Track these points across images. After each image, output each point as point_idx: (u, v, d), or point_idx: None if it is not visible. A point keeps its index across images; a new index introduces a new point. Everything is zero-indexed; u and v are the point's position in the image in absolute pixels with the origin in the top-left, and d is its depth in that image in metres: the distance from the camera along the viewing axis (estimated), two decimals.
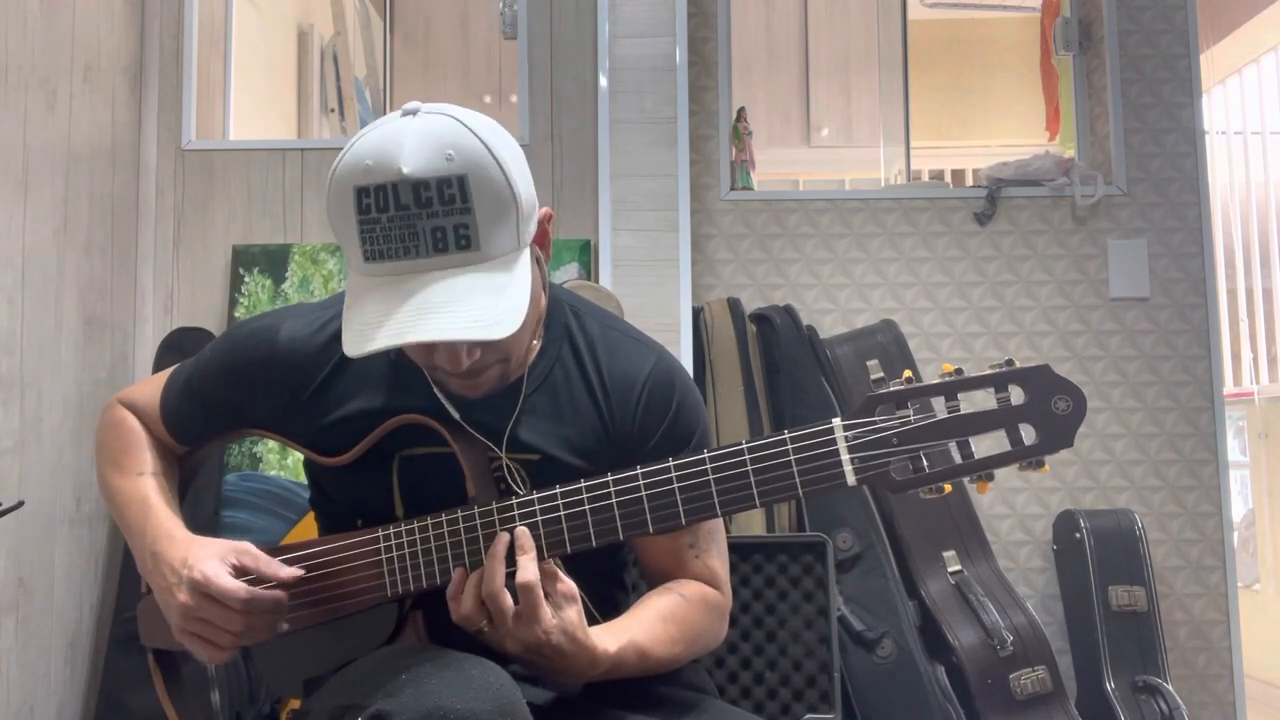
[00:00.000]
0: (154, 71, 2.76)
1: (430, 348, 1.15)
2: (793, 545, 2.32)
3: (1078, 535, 2.62)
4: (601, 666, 1.15)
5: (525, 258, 1.15)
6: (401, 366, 1.28)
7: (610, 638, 1.17)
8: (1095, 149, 2.95)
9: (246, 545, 1.23)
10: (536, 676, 1.26)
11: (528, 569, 1.11)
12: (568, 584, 1.13)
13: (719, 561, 1.34)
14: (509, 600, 1.11)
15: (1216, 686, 2.71)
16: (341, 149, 1.13)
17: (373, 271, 1.10)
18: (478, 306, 1.08)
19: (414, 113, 1.12)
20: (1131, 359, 2.81)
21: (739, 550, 2.28)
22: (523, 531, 1.15)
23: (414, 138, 1.09)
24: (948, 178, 4.67)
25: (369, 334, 1.08)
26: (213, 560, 1.19)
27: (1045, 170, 2.85)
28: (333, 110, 3.88)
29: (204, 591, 1.17)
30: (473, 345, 1.13)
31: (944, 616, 2.46)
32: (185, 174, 2.76)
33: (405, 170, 1.07)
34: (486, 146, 1.11)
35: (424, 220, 1.08)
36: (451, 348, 1.13)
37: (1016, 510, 2.78)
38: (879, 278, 2.86)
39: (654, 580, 1.33)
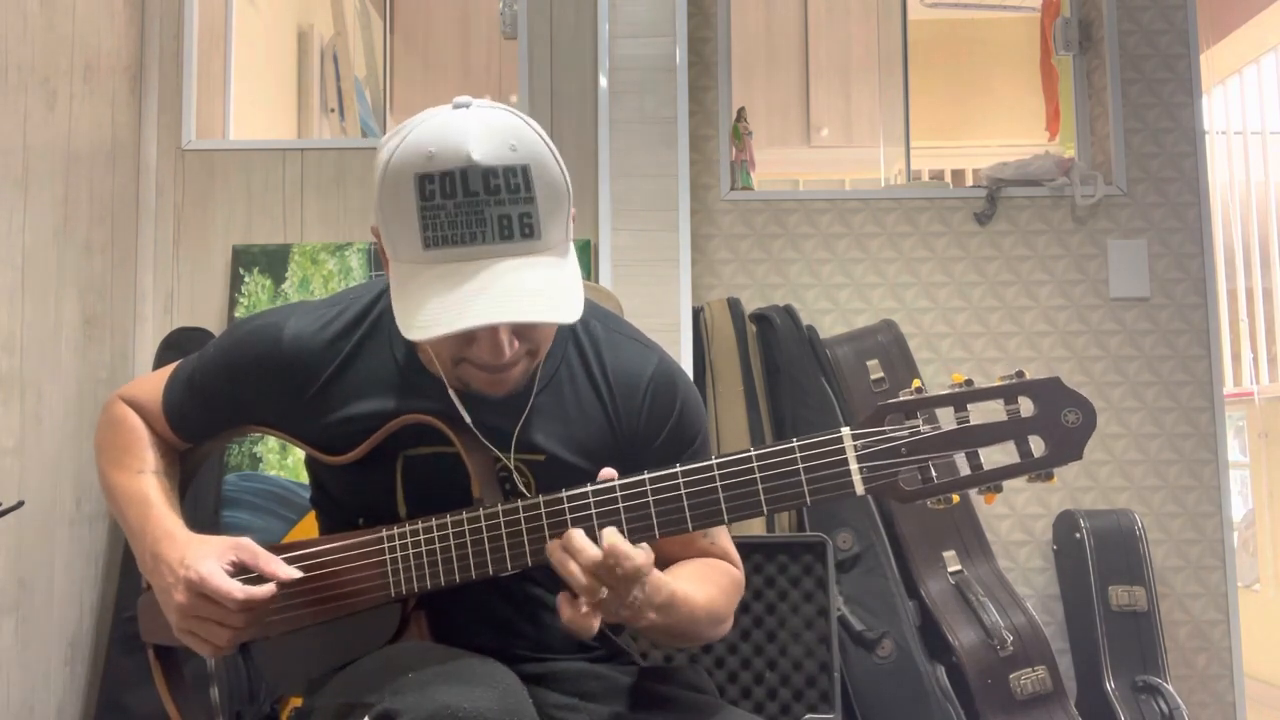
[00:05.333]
0: (154, 71, 2.76)
1: (469, 340, 1.15)
2: (793, 545, 2.32)
3: (1078, 535, 2.62)
4: (663, 594, 1.16)
5: (572, 249, 1.19)
6: (408, 367, 1.28)
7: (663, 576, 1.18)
8: (1095, 149, 2.95)
9: (245, 541, 1.22)
10: (548, 674, 1.26)
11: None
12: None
13: (728, 540, 1.39)
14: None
15: (1216, 686, 2.71)
16: (385, 141, 1.14)
17: (434, 258, 1.11)
18: (551, 291, 1.11)
19: (466, 106, 1.14)
20: (1131, 359, 2.81)
21: (738, 550, 2.28)
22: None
23: (479, 127, 1.10)
24: (948, 178, 4.67)
25: (444, 317, 1.09)
26: (209, 559, 1.19)
27: (1045, 170, 2.85)
28: (333, 110, 3.87)
29: (200, 591, 1.17)
30: (514, 335, 1.15)
31: (944, 616, 2.46)
32: (185, 174, 2.76)
33: (475, 157, 1.08)
34: (543, 140, 1.14)
35: (491, 208, 1.09)
36: (495, 338, 1.14)
37: (1016, 510, 2.78)
38: (879, 278, 2.86)
39: (666, 566, 1.33)
